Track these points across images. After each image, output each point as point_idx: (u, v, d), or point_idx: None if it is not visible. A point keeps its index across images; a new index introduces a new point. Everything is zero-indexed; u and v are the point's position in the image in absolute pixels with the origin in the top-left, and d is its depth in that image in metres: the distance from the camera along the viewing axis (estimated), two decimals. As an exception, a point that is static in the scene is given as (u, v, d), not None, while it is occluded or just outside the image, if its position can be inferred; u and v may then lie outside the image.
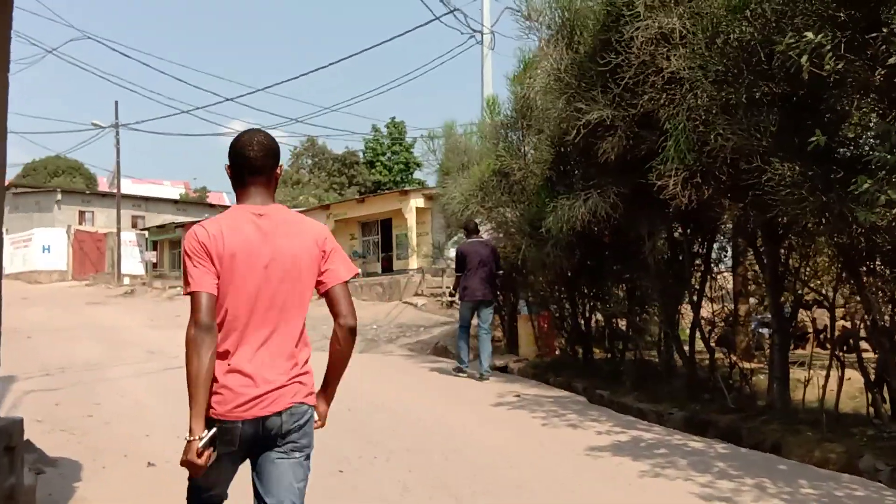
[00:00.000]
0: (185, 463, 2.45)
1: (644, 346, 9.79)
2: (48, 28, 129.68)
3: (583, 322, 11.01)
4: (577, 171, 8.78)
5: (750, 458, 5.61)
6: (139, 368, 10.56)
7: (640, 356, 9.63)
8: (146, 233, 44.95)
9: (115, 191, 38.88)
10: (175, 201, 52.23)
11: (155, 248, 44.97)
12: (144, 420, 6.86)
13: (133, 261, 40.02)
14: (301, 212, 34.49)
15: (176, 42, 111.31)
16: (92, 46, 56.21)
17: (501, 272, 10.24)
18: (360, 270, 39.39)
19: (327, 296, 2.73)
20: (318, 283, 2.72)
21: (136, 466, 5.31)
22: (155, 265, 43.68)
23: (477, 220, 11.42)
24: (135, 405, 7.75)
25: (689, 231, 8.48)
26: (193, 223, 27.02)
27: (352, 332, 2.74)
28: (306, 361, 2.74)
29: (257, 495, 2.62)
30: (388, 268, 30.41)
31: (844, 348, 11.35)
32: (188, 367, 2.46)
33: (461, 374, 9.77)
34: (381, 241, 32.16)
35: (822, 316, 11.50)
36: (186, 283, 2.55)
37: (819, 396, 6.47)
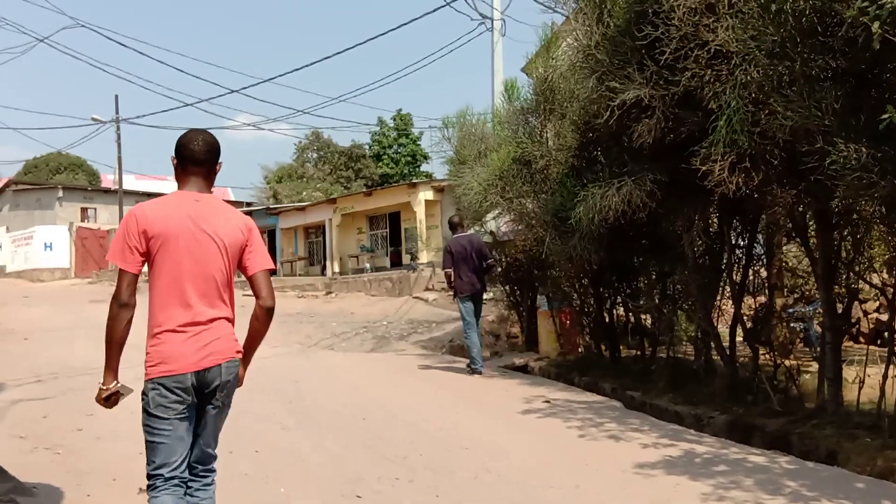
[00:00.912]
0: (98, 401, 3.16)
1: (677, 343, 9.16)
2: (41, 16, 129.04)
3: (608, 318, 10.37)
4: (606, 158, 8.11)
5: (821, 475, 4.97)
6: (138, 373, 9.92)
7: (673, 354, 8.99)
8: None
9: (117, 187, 38.28)
10: (179, 197, 51.57)
11: (159, 245, 44.37)
12: (140, 435, 6.24)
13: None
14: (307, 206, 34.10)
15: (175, 32, 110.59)
16: (86, 36, 55.51)
17: (491, 260, 10.29)
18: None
19: (251, 280, 3.21)
20: (243, 267, 3.21)
21: (125, 493, 4.69)
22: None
23: (496, 212, 10.82)
24: (130, 416, 7.09)
25: (732, 221, 7.82)
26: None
27: (269, 312, 3.23)
28: (232, 323, 3.21)
29: (194, 439, 3.18)
30: (396, 262, 29.80)
31: (878, 342, 10.77)
32: (107, 334, 3.04)
33: (476, 374, 9.59)
34: (390, 235, 31.53)
35: (856, 309, 10.93)
36: (115, 256, 3.02)
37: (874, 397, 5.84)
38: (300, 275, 33.39)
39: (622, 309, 10.61)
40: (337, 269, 31.25)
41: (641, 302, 9.49)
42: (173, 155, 3.29)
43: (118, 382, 3.15)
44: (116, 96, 57.10)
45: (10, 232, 43.89)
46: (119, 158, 36.43)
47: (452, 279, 9.94)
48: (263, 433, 6.28)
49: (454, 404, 7.64)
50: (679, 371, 8.32)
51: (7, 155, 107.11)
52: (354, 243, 32.76)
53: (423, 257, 27.51)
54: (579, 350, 11.96)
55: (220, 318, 3.15)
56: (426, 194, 28.36)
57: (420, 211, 28.20)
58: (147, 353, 3.08)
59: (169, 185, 58.53)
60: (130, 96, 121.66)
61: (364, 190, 36.03)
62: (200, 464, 3.23)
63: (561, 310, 12.23)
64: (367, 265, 30.71)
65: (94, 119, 35.69)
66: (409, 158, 58.28)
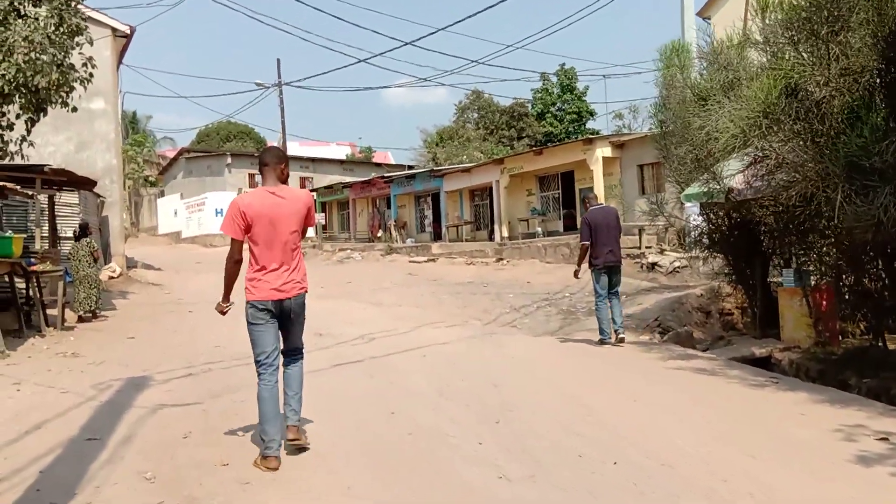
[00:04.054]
0: (217, 311, 5.01)
1: None
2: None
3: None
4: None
5: None
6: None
7: None
8: (314, 194, 44.22)
9: (282, 152, 38.00)
10: (341, 161, 51.46)
11: (323, 210, 44.21)
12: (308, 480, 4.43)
13: (302, 223, 39.15)
14: (472, 167, 32.21)
15: None
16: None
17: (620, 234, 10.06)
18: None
19: (304, 231, 4.97)
20: (304, 227, 4.92)
21: None
22: (324, 227, 42.87)
23: (742, 162, 8.35)
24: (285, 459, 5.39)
25: None
26: (360, 183, 25.05)
27: (304, 233, 4.98)
28: (303, 272, 4.93)
29: (285, 340, 4.99)
30: (570, 226, 27.35)
31: None
32: (226, 276, 4.85)
33: (605, 345, 9.55)
34: (563, 197, 29.10)
35: None
36: (227, 229, 4.72)
37: None
38: (466, 240, 31.68)
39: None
40: (506, 234, 29.29)
41: None
42: (259, 163, 5.03)
43: (232, 302, 4.98)
44: (278, 60, 57.40)
45: (184, 199, 45.02)
46: (283, 123, 35.96)
47: (588, 252, 9.80)
48: (479, 488, 4.28)
49: (736, 438, 5.28)
50: None
51: (187, 125, 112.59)
52: (524, 206, 30.60)
53: (602, 220, 25.01)
54: (839, 339, 9.33)
55: (291, 268, 4.81)
56: (604, 151, 25.82)
57: (597, 169, 25.75)
58: (246, 287, 4.78)
59: (332, 149, 58.83)
60: (292, 61, 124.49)
61: (534, 148, 33.62)
62: (290, 353, 5.05)
63: (816, 287, 9.60)
64: (538, 229, 28.51)
65: (257, 84, 35.30)
66: (573, 116, 55.31)
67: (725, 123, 7.12)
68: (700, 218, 12.53)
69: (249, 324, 4.76)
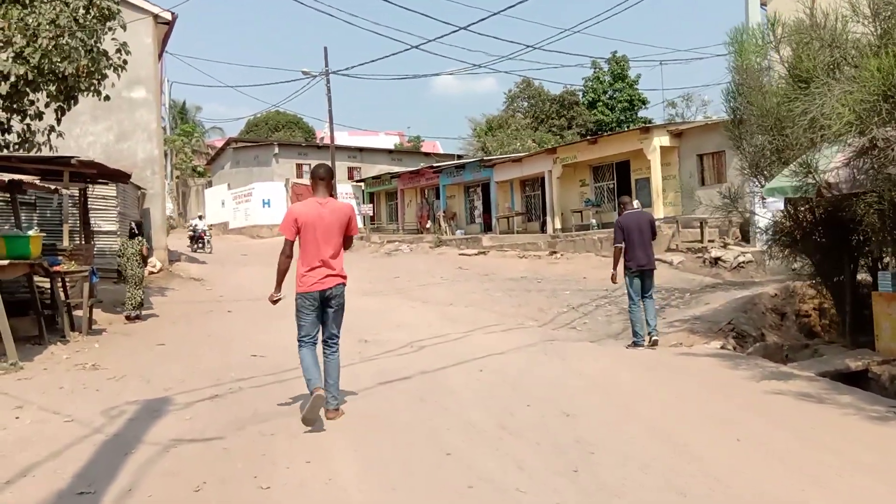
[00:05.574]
0: (270, 301, 6.01)
1: None
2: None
3: None
4: None
5: None
6: (348, 372, 7.40)
7: None
8: (362, 184, 43.49)
9: (329, 143, 37.27)
10: (390, 151, 50.63)
11: (371, 201, 43.45)
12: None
13: (350, 214, 38.33)
14: (524, 157, 31.06)
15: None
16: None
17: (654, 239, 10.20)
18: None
19: (347, 239, 6.02)
20: (347, 235, 5.99)
21: None
22: (372, 218, 42.12)
23: (844, 155, 7.17)
24: (328, 480, 4.44)
25: None
26: (408, 173, 24.27)
27: (349, 241, 6.07)
28: (342, 267, 5.90)
29: (324, 326, 5.98)
30: (626, 218, 26.06)
31: None
32: (279, 271, 5.87)
33: (638, 347, 9.57)
34: (617, 187, 27.79)
35: None
36: (284, 231, 5.79)
37: None
38: (518, 232, 30.55)
39: None
40: (558, 226, 28.11)
41: None
42: (310, 176, 6.18)
43: (283, 295, 5.94)
44: (325, 48, 57.10)
45: (232, 189, 44.63)
46: (330, 112, 35.09)
47: (621, 255, 9.94)
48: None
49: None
50: None
51: (236, 115, 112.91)
52: (577, 197, 29.35)
53: (660, 212, 23.73)
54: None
55: (335, 265, 5.84)
56: (661, 140, 24.56)
57: (654, 159, 24.53)
58: (297, 281, 5.80)
59: (380, 139, 58.06)
60: (339, 48, 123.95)
61: (588, 138, 32.28)
62: (328, 339, 5.97)
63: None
64: (593, 221, 27.27)
65: (304, 73, 34.52)
66: (625, 104, 53.68)
67: (837, 108, 5.92)
68: (780, 213, 11.30)
69: (297, 310, 5.85)
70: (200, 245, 30.51)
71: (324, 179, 5.95)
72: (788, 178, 9.08)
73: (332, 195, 6.05)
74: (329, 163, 36.28)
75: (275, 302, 5.97)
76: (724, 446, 5.17)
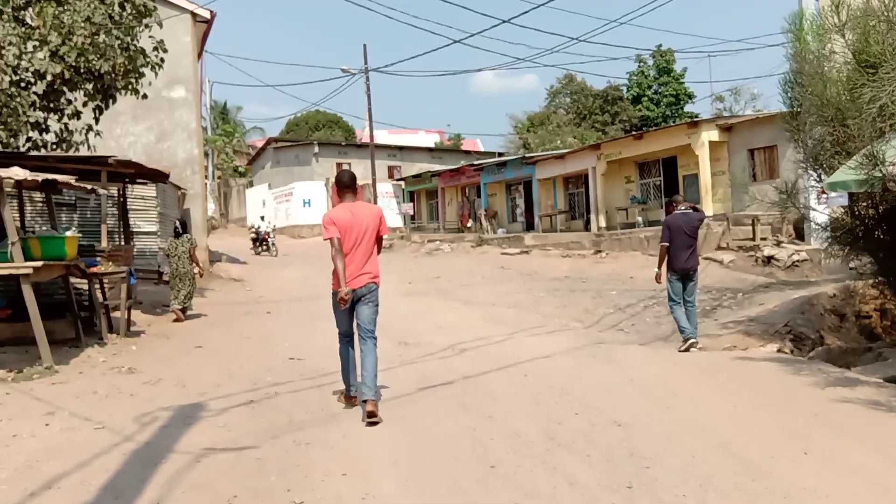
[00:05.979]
0: (340, 300, 5.94)
1: None
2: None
3: None
4: None
5: None
6: (387, 376, 7.15)
7: None
8: (402, 183, 43.32)
9: (369, 142, 37.16)
10: (430, 149, 50.40)
11: (412, 199, 43.27)
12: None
13: (390, 213, 38.17)
14: (566, 153, 30.57)
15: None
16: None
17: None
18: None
19: (379, 239, 6.25)
20: (378, 235, 6.20)
21: None
22: (413, 217, 41.92)
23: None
24: (365, 495, 4.16)
25: None
26: (449, 171, 24.07)
27: (380, 247, 6.30)
28: (377, 266, 6.19)
29: (358, 323, 6.17)
30: (673, 215, 25.44)
31: None
32: (335, 266, 5.96)
33: (693, 349, 9.29)
34: (664, 184, 27.16)
35: None
36: (327, 235, 5.99)
37: None
38: (561, 230, 30.07)
39: None
40: (603, 224, 27.59)
41: None
42: (334, 184, 6.39)
43: (349, 289, 5.98)
44: (364, 45, 56.84)
45: (272, 189, 44.79)
46: (369, 111, 34.93)
47: (666, 255, 9.68)
48: None
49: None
50: None
51: (277, 115, 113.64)
52: (622, 194, 28.77)
53: (709, 209, 23.08)
54: None
55: (367, 265, 6.09)
56: (710, 135, 23.91)
57: (703, 154, 23.91)
58: (332, 279, 6.07)
59: (420, 137, 57.81)
60: (377, 46, 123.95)
61: (633, 133, 31.65)
62: (363, 335, 6.09)
63: None
64: (639, 219, 26.68)
65: (343, 70, 34.40)
66: (671, 99, 52.69)
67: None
68: (840, 209, 10.76)
69: (333, 307, 6.20)
70: (265, 248, 29.25)
71: (349, 187, 6.18)
72: (853, 171, 8.58)
73: (359, 199, 6.29)
74: (370, 161, 36.54)
75: (343, 299, 5.92)
76: (791, 460, 4.76)
